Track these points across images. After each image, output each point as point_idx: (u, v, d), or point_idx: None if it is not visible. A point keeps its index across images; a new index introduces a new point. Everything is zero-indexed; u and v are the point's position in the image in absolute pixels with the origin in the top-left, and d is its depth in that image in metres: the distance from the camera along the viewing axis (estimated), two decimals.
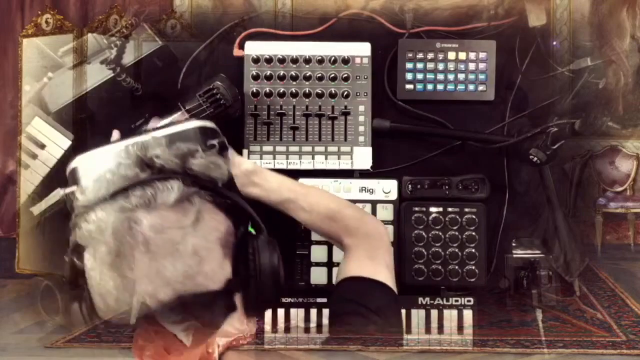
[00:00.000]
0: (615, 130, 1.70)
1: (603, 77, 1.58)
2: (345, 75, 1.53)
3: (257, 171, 1.27)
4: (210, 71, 1.54)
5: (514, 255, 1.54)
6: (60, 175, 1.50)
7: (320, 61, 1.53)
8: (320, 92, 1.53)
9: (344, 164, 1.52)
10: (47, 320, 1.51)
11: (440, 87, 1.55)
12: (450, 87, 1.55)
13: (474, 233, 1.48)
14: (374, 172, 1.53)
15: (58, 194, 1.44)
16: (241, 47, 1.54)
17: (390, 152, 1.55)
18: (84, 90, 1.51)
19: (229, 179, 0.97)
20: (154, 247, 0.85)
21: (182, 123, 1.14)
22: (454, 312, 1.47)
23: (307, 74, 1.52)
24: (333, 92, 1.52)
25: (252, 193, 1.27)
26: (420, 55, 1.54)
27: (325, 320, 1.36)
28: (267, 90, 1.52)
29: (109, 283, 0.86)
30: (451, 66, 1.54)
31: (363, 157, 1.52)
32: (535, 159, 1.45)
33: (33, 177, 1.49)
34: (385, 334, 1.44)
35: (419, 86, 1.55)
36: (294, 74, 1.53)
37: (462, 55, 1.54)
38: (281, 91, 1.52)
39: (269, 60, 1.53)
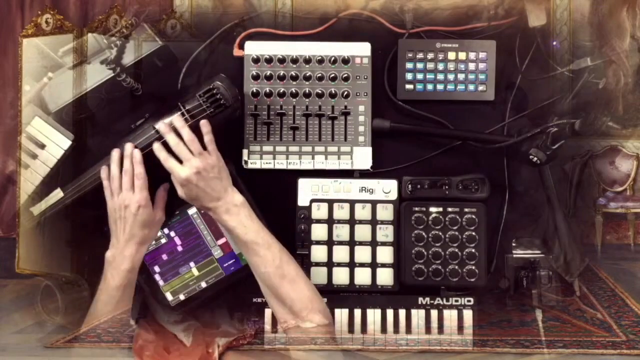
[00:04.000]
0: (615, 130, 1.69)
1: (603, 77, 1.57)
2: (345, 75, 1.53)
3: (246, 207, 1.37)
4: (210, 71, 1.54)
5: (514, 255, 1.55)
6: (60, 175, 1.50)
7: (320, 61, 1.53)
8: (320, 92, 1.53)
9: (344, 164, 1.52)
10: (47, 320, 1.50)
11: (440, 87, 1.55)
12: (450, 87, 1.55)
13: (474, 233, 1.49)
14: (374, 172, 1.53)
15: (58, 194, 1.45)
16: (241, 47, 1.54)
17: (390, 152, 1.55)
18: (84, 90, 1.51)
19: None
20: None
21: None
22: (454, 312, 1.47)
23: (307, 74, 1.52)
24: (333, 92, 1.52)
25: (229, 222, 1.36)
26: (420, 55, 1.54)
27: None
28: (267, 90, 1.52)
29: None
30: (451, 66, 1.54)
31: (363, 157, 1.52)
32: (535, 159, 1.45)
33: (33, 177, 1.49)
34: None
35: (419, 86, 1.55)
36: (294, 74, 1.53)
37: (462, 55, 1.54)
38: (281, 91, 1.52)
39: (269, 60, 1.53)
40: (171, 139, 1.35)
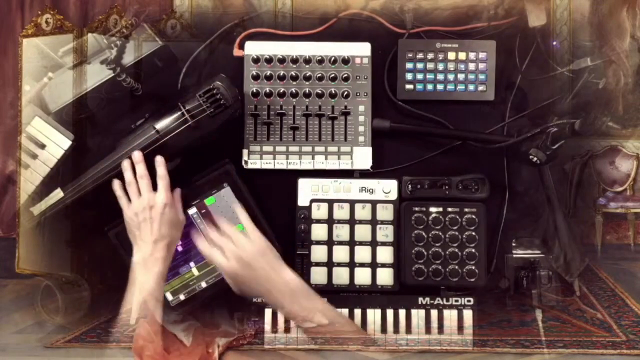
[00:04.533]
0: (615, 130, 1.69)
1: (603, 77, 1.57)
2: (345, 75, 1.53)
3: (302, 287, 1.36)
4: (210, 71, 1.54)
5: (514, 255, 1.54)
6: (60, 175, 1.50)
7: (320, 61, 1.53)
8: (320, 92, 1.53)
9: (344, 164, 1.52)
10: (47, 320, 1.50)
11: (440, 87, 1.55)
12: (450, 87, 1.55)
13: (474, 233, 1.48)
14: (374, 172, 1.53)
15: (58, 194, 1.45)
16: (241, 47, 1.54)
17: (390, 152, 1.55)
18: (84, 90, 1.51)
19: None
20: None
21: None
22: (454, 312, 1.47)
23: (307, 74, 1.52)
24: (333, 92, 1.52)
25: (288, 308, 1.34)
26: (420, 55, 1.54)
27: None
28: (267, 90, 1.52)
29: None
30: (451, 66, 1.54)
31: (363, 157, 1.52)
32: (535, 159, 1.45)
33: (33, 177, 1.49)
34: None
35: (419, 86, 1.55)
36: (294, 74, 1.53)
37: (462, 55, 1.54)
38: (281, 91, 1.52)
39: (269, 60, 1.53)
40: (214, 236, 1.37)
